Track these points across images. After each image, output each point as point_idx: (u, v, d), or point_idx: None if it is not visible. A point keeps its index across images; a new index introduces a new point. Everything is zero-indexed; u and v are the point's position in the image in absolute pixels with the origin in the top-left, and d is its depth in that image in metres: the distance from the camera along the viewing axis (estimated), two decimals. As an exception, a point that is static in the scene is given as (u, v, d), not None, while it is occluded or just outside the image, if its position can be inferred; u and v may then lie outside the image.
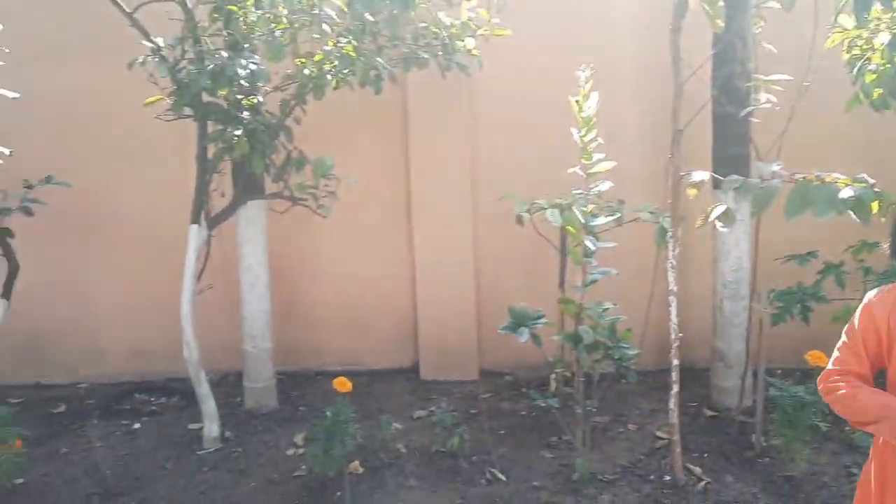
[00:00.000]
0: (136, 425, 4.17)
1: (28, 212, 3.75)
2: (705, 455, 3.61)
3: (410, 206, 4.68)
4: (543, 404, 3.49)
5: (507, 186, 4.36)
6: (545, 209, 3.63)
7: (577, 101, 3.25)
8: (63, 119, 4.56)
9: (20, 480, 3.51)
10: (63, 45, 4.45)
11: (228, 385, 4.60)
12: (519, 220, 3.96)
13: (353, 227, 4.66)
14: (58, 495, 3.44)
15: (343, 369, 4.53)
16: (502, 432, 3.97)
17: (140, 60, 3.23)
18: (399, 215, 4.76)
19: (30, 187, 3.76)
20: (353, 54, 3.54)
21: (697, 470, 3.45)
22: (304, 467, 3.59)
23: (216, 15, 3.44)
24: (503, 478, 3.47)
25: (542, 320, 3.32)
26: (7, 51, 3.34)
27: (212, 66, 3.21)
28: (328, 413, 3.31)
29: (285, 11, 3.38)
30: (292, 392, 4.53)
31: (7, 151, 3.52)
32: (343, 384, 3.35)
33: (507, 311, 3.44)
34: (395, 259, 4.80)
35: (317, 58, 3.60)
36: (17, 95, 3.44)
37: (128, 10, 3.46)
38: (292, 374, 4.72)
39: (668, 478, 3.39)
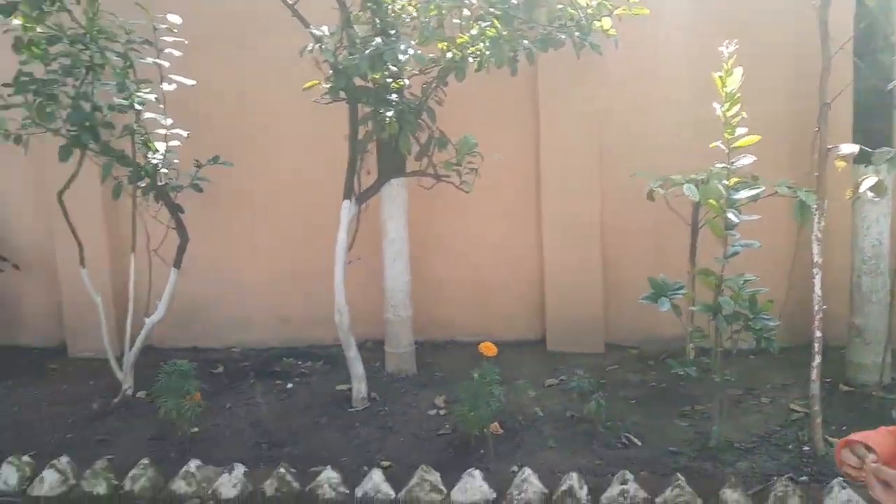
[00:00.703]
0: (289, 385, 4.55)
1: (198, 188, 4.14)
2: (843, 428, 3.63)
3: (540, 182, 4.84)
4: (682, 372, 3.60)
5: (635, 162, 4.47)
6: (681, 184, 3.72)
7: (720, 77, 3.31)
8: (228, 103, 4.94)
9: (195, 429, 3.92)
10: (232, 31, 4.83)
11: (367, 351, 4.90)
12: (650, 195, 4.06)
13: (483, 204, 4.85)
14: (229, 443, 3.82)
15: (472, 339, 4.77)
16: (633, 401, 4.10)
17: (308, 48, 3.53)
18: (528, 191, 4.94)
19: (199, 166, 4.15)
20: (499, 36, 3.72)
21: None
22: (447, 426, 3.84)
23: (368, 3, 3.70)
24: (639, 443, 3.61)
25: (682, 291, 3.42)
26: (186, 42, 3.71)
27: (370, 51, 3.46)
28: (475, 375, 3.54)
29: (434, -1, 3.60)
30: (427, 359, 4.80)
31: (185, 134, 3.91)
32: (489, 348, 3.58)
33: (632, 285, 3.56)
34: (524, 234, 4.98)
35: (460, 41, 3.80)
36: (193, 83, 3.81)
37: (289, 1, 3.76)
38: (424, 344, 4.98)
39: (807, 448, 3.44)
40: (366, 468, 3.45)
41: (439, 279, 5.06)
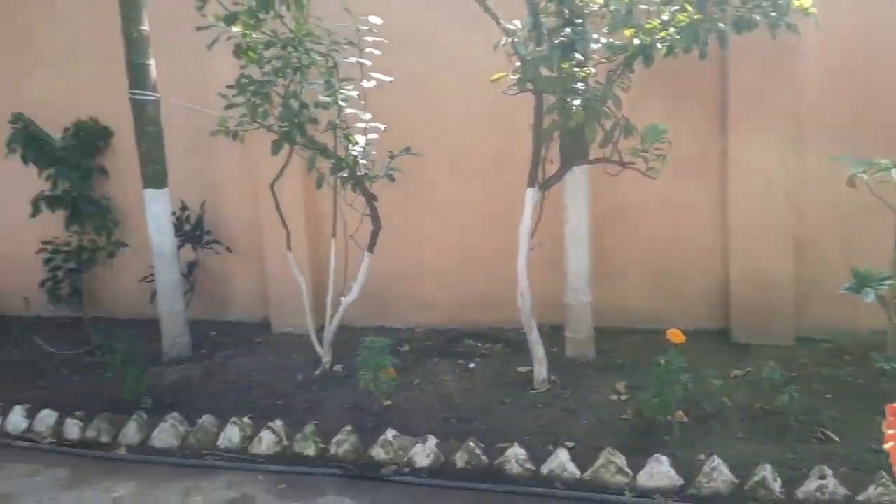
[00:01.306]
0: (471, 365, 4.77)
1: (391, 178, 4.43)
2: None
3: (726, 168, 4.72)
4: (887, 367, 3.41)
5: (829, 147, 4.25)
6: (889, 168, 3.51)
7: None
8: (418, 97, 5.20)
9: (388, 402, 4.22)
10: (423, 30, 5.10)
11: (544, 336, 4.97)
12: (851, 181, 3.86)
13: (665, 191, 4.80)
14: (420, 416, 4.09)
15: (651, 328, 4.75)
16: (828, 396, 3.92)
17: (501, 42, 3.68)
18: (711, 178, 4.83)
19: (392, 157, 4.43)
20: (691, 20, 3.68)
21: None
22: (629, 412, 3.88)
23: (560, -5, 3.79)
24: (836, 438, 3.47)
25: (888, 282, 3.24)
26: (386, 41, 3.98)
27: (559, 41, 3.55)
28: (661, 361, 3.55)
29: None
30: (605, 345, 4.84)
31: (382, 127, 4.20)
32: (676, 335, 3.58)
33: (826, 275, 3.39)
34: (707, 222, 4.89)
35: (648, 26, 3.80)
36: (391, 79, 4.09)
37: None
38: (603, 330, 5.00)
39: None
40: (550, 447, 3.57)
41: (619, 266, 5.07)
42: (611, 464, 3.35)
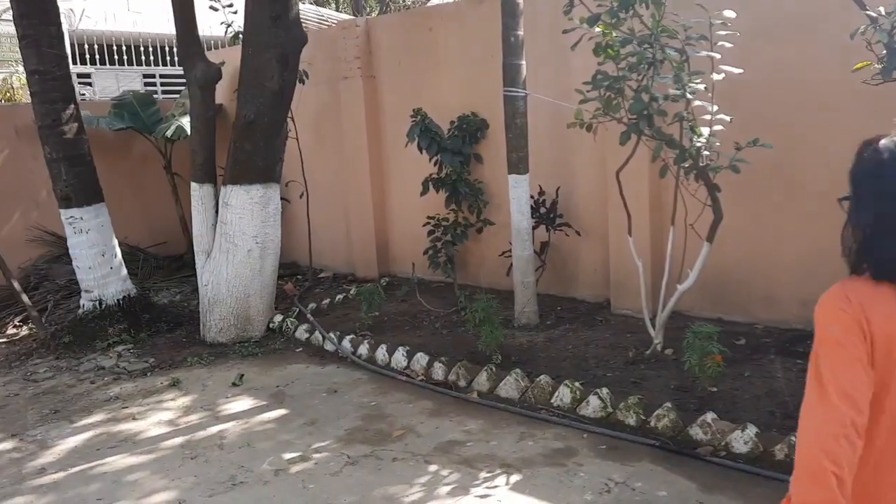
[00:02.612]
0: (809, 366, 4.59)
1: (735, 170, 4.46)
2: None
3: None
4: None
5: None
6: None
7: None
8: (767, 88, 5.16)
9: (714, 388, 4.32)
10: (777, 22, 5.04)
11: None
12: None
13: None
14: (744, 406, 4.14)
15: None
16: None
17: (861, 30, 3.54)
18: None
19: (739, 149, 4.46)
20: None
21: None
22: None
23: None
24: None
25: None
26: (738, 34, 4.06)
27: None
28: None
29: None
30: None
31: (728, 119, 4.29)
32: None
33: None
34: None
35: None
36: (740, 72, 4.15)
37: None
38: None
39: None
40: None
41: None
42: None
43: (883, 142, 1.50)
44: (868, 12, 3.56)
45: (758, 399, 4.20)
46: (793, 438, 3.55)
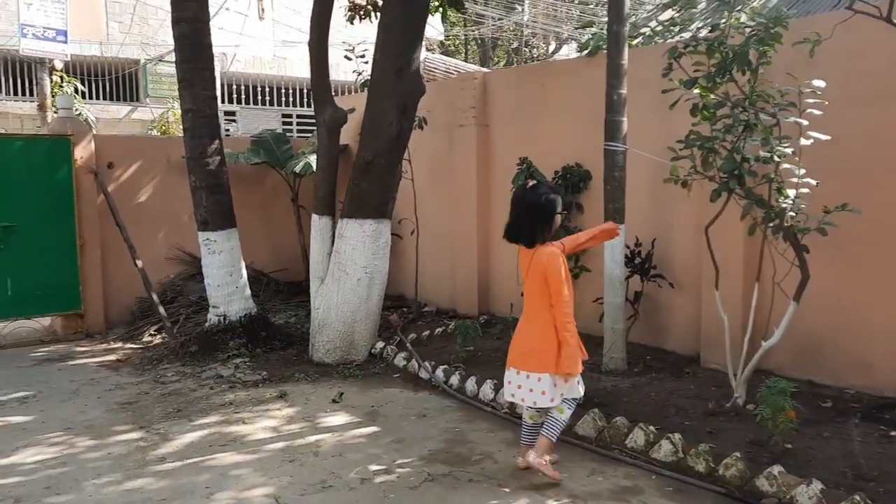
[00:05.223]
0: (893, 433, 4.55)
1: (823, 232, 4.55)
2: None
3: None
4: None
5: None
6: None
7: None
8: (856, 157, 5.22)
9: (789, 445, 4.37)
10: (872, 91, 5.12)
11: None
12: None
13: None
14: (816, 464, 4.17)
15: None
16: None
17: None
18: None
19: (827, 212, 4.55)
20: None
21: None
22: None
23: None
24: None
25: None
26: (826, 102, 4.21)
27: None
28: None
29: None
30: None
31: (814, 182, 4.41)
32: None
33: None
34: None
35: None
36: (827, 138, 4.29)
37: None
38: None
39: None
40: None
41: None
42: None
43: None
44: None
45: (832, 459, 4.21)
46: (856, 497, 3.59)
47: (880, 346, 5.26)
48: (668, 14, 12.83)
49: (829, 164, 4.81)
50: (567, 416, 4.33)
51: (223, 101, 15.41)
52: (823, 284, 5.06)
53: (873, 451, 4.30)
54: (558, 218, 4.30)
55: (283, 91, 17.39)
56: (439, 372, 6.33)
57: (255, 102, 17.24)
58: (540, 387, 4.22)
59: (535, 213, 4.22)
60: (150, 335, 8.30)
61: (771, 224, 4.64)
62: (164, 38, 15.05)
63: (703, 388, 5.64)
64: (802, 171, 4.51)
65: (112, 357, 7.54)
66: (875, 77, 5.14)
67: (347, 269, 6.89)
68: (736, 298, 5.71)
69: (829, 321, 5.46)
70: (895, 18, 3.96)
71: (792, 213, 4.54)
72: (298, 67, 16.82)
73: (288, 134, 12.05)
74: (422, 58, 7.17)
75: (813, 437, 4.52)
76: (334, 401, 5.94)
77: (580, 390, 4.33)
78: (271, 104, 17.68)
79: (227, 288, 7.68)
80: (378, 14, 8.68)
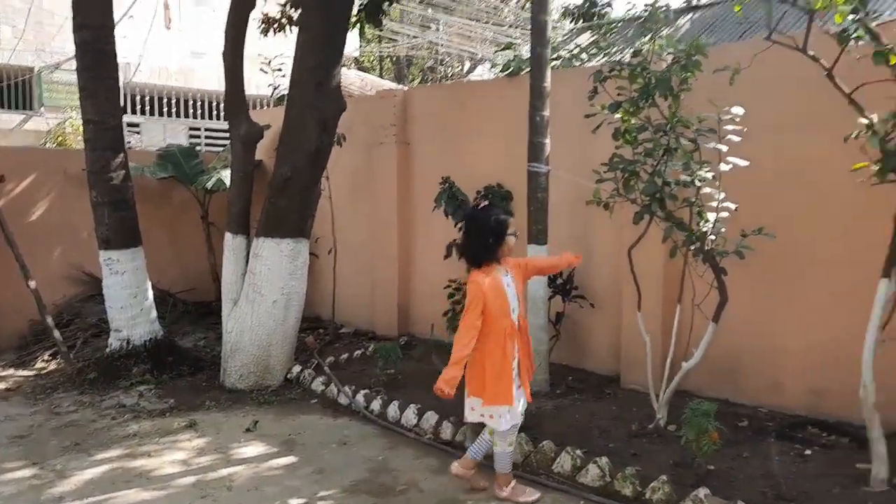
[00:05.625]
0: (807, 452, 4.69)
1: (740, 255, 4.66)
2: None
3: None
4: None
5: None
6: None
7: None
8: (773, 182, 5.40)
9: (711, 466, 4.43)
10: (783, 121, 5.32)
11: (901, 439, 4.69)
12: None
13: None
14: (738, 485, 4.24)
15: None
16: None
17: (853, 135, 3.79)
18: None
19: (744, 236, 4.67)
20: None
21: None
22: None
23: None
24: None
25: None
26: (745, 129, 4.33)
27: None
28: None
29: None
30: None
31: (733, 207, 4.51)
32: None
33: None
34: None
35: None
36: (746, 164, 4.40)
37: (846, 91, 4.04)
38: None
39: None
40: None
41: None
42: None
43: None
44: (862, 120, 3.81)
45: (752, 480, 4.29)
46: (782, 519, 3.65)
47: (791, 366, 5.44)
48: (586, 37, 13.15)
49: (746, 188, 4.94)
50: (487, 438, 4.36)
51: (126, 113, 14.71)
52: (739, 306, 5.18)
53: (790, 471, 4.41)
54: (510, 239, 4.28)
55: (190, 103, 16.79)
56: (360, 397, 6.14)
57: (161, 114, 16.58)
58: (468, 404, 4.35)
59: (484, 233, 4.19)
60: (44, 361, 7.72)
61: (692, 247, 4.71)
62: (62, 45, 14.25)
63: (625, 408, 5.68)
64: (722, 196, 4.61)
65: (1, 386, 6.96)
66: (787, 105, 5.33)
67: (263, 291, 6.62)
68: (656, 319, 5.80)
69: (744, 342, 5.61)
70: (810, 51, 4.09)
71: (712, 237, 4.63)
72: (207, 79, 16.28)
73: (196, 148, 11.58)
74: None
75: (733, 458, 4.59)
76: (248, 430, 5.65)
77: (500, 423, 4.25)
78: (178, 116, 17.04)
79: (131, 310, 7.24)
80: (292, 27, 8.51)
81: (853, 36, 3.84)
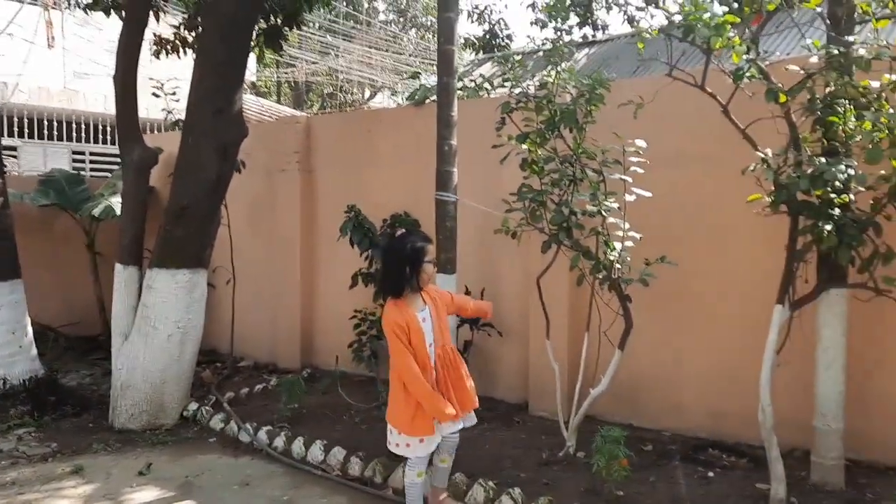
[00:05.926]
0: (710, 474, 4.83)
1: (644, 283, 4.79)
2: None
3: None
4: None
5: None
6: None
7: None
8: (675, 213, 5.62)
9: (621, 493, 4.48)
10: (683, 153, 5.55)
11: (794, 459, 4.89)
12: None
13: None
14: (649, 511, 4.31)
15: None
16: None
17: (751, 168, 3.98)
18: None
19: (648, 264, 4.81)
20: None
21: None
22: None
23: (818, 126, 3.98)
24: None
25: None
26: (648, 161, 4.47)
27: (811, 170, 3.75)
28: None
29: (886, 120, 3.73)
30: (859, 479, 4.60)
31: (638, 236, 4.65)
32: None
33: None
34: None
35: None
36: (650, 195, 4.54)
37: (741, 126, 4.26)
38: (860, 464, 4.77)
39: None
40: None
41: (879, 396, 4.82)
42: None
43: None
44: (758, 152, 4.01)
45: (661, 504, 4.38)
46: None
47: (691, 390, 5.62)
48: (488, 67, 13.38)
49: (650, 219, 5.10)
50: (437, 463, 4.42)
51: (2, 135, 13.78)
52: (644, 334, 5.33)
53: (696, 494, 4.52)
54: (429, 267, 4.13)
55: (73, 126, 15.92)
56: (262, 434, 5.88)
57: (42, 137, 15.62)
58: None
59: (401, 262, 4.07)
60: None
61: (599, 275, 4.81)
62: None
63: (534, 436, 5.69)
64: (627, 226, 4.73)
65: None
66: (687, 138, 5.56)
67: (157, 325, 6.26)
68: (564, 347, 5.87)
69: (648, 368, 5.77)
70: (708, 87, 4.29)
71: (618, 265, 4.74)
72: (92, 101, 15.51)
73: (81, 173, 10.96)
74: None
75: (641, 482, 4.67)
76: (141, 473, 5.29)
77: (413, 452, 4.22)
78: (60, 139, 16.11)
79: (9, 348, 6.70)
80: (186, 50, 8.23)
81: (747, 75, 4.05)
